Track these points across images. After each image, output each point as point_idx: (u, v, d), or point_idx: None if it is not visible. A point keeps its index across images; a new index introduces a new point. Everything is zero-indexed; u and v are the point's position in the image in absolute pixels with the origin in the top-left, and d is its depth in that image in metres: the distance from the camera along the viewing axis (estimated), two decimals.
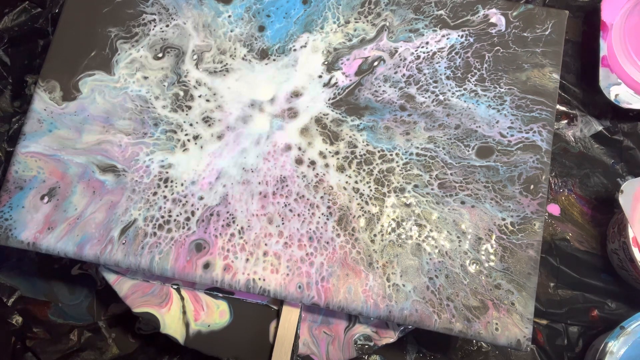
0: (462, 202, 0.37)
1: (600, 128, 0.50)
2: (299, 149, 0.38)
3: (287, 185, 0.38)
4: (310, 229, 0.37)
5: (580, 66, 0.52)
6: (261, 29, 0.41)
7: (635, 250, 0.42)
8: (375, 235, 0.37)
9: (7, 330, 0.47)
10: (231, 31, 0.41)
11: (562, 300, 0.48)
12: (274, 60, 0.40)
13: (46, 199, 0.38)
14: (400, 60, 0.40)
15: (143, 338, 0.49)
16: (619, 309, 0.47)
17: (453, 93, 0.39)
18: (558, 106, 0.51)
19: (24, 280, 0.49)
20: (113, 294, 0.41)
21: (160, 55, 0.40)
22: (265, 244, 0.37)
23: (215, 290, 0.41)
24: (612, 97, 0.47)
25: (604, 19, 0.48)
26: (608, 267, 0.48)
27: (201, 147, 0.39)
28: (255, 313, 0.41)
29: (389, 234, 0.37)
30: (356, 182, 0.38)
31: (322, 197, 0.37)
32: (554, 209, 0.50)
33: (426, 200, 0.37)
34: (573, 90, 0.51)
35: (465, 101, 0.39)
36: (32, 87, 0.52)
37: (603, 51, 0.47)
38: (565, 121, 0.51)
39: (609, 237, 0.47)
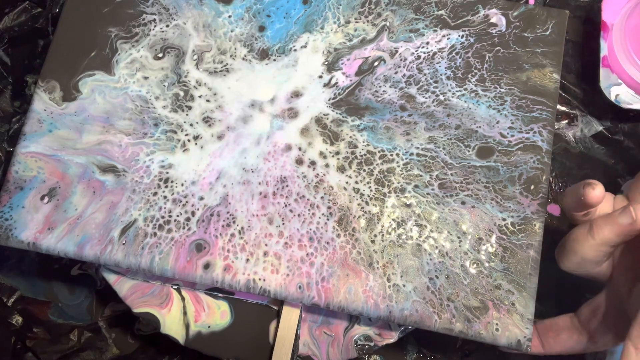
0: (463, 203, 0.37)
1: (600, 128, 0.50)
2: (299, 149, 0.38)
3: (287, 186, 0.38)
4: (310, 229, 0.37)
5: (580, 66, 0.52)
6: (261, 29, 0.41)
7: None
8: (375, 236, 0.37)
9: (7, 330, 0.47)
10: (231, 31, 0.41)
11: (562, 301, 0.48)
12: (274, 60, 0.40)
13: (46, 199, 0.38)
14: (401, 60, 0.40)
15: (143, 338, 0.49)
16: None
17: (453, 93, 0.39)
18: (558, 106, 0.51)
19: (24, 280, 0.49)
20: (113, 294, 0.41)
21: (160, 55, 0.40)
22: (266, 244, 0.37)
23: (215, 291, 0.41)
24: (612, 98, 0.47)
25: (605, 19, 0.48)
26: None
27: (201, 148, 0.39)
28: (255, 313, 0.41)
29: (390, 234, 0.37)
30: (356, 182, 0.38)
31: (322, 198, 0.37)
32: (554, 209, 0.50)
33: (426, 201, 0.37)
34: (573, 91, 0.51)
35: (465, 101, 0.39)
36: (32, 87, 0.52)
37: (603, 51, 0.47)
38: (566, 121, 0.51)
39: None
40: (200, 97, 0.40)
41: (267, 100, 0.40)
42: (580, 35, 0.52)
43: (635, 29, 0.47)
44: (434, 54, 0.40)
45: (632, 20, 0.47)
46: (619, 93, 0.47)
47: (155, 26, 0.41)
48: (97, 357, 0.48)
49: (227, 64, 0.40)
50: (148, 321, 0.41)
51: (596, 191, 0.32)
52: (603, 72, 0.47)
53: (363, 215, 0.37)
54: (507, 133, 0.38)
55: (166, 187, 0.38)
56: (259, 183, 0.38)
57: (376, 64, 0.40)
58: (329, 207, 0.37)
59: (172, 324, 0.41)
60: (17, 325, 0.48)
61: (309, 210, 0.37)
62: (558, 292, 0.49)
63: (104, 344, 0.48)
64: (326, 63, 0.40)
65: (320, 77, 0.40)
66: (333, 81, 0.40)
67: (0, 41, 0.52)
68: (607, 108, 0.50)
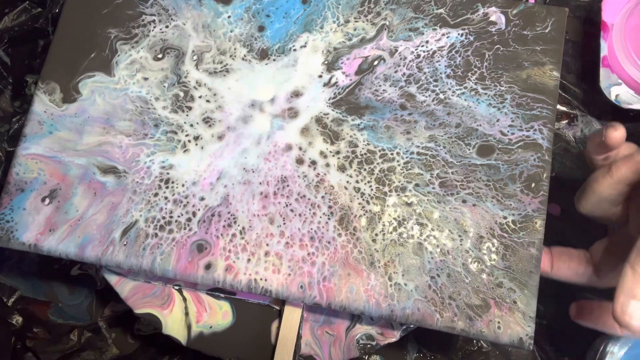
0: (464, 201, 0.37)
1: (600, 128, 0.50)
2: (300, 148, 0.38)
3: (288, 185, 0.38)
4: (311, 229, 0.37)
5: (580, 66, 0.52)
6: (261, 29, 0.41)
7: None
8: (376, 235, 0.37)
9: (7, 330, 0.47)
10: (231, 31, 0.41)
11: (562, 301, 0.48)
12: (274, 60, 0.40)
13: (47, 200, 0.38)
14: (401, 59, 0.40)
15: (143, 338, 0.49)
16: None
17: (453, 92, 0.39)
18: (558, 106, 0.51)
19: (24, 280, 0.49)
20: (113, 294, 0.41)
21: (160, 56, 0.40)
22: (267, 244, 0.37)
23: (217, 291, 0.41)
24: (612, 98, 0.47)
25: (605, 19, 0.48)
26: None
27: (202, 148, 0.39)
28: (257, 313, 0.41)
29: (391, 233, 0.37)
30: (357, 181, 0.38)
31: (323, 197, 0.37)
32: (555, 209, 0.50)
33: (427, 199, 0.37)
34: (573, 91, 0.51)
35: (465, 100, 0.39)
36: (32, 87, 0.52)
37: (603, 51, 0.47)
38: (566, 121, 0.51)
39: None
40: (200, 97, 0.40)
41: (267, 100, 0.40)
42: (580, 35, 0.52)
43: (635, 29, 0.47)
44: (434, 52, 0.40)
45: (632, 20, 0.47)
46: (619, 93, 0.47)
47: (154, 27, 0.41)
48: (97, 357, 0.48)
49: (226, 64, 0.40)
50: (149, 322, 0.40)
51: (617, 132, 0.33)
52: (603, 72, 0.47)
53: (364, 214, 0.37)
54: (508, 131, 0.38)
55: (167, 187, 0.38)
56: (260, 183, 0.38)
57: (376, 63, 0.40)
58: (330, 207, 0.37)
59: (173, 325, 0.40)
60: (17, 325, 0.48)
61: (309, 209, 0.37)
62: (558, 291, 0.49)
63: (104, 344, 0.48)
64: (326, 62, 0.40)
65: (320, 76, 0.40)
66: (333, 80, 0.40)
67: (0, 41, 0.52)
68: (607, 108, 0.50)
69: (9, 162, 0.52)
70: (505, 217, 0.37)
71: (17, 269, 0.49)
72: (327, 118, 0.39)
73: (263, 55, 0.40)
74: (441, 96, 0.39)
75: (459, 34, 0.40)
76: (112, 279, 0.41)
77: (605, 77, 0.47)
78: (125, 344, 0.49)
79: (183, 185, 0.38)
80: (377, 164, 0.38)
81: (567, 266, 0.38)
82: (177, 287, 0.41)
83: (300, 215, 0.37)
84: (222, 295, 0.41)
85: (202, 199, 0.38)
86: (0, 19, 0.52)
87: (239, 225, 0.37)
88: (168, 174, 0.38)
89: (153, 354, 0.48)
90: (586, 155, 0.36)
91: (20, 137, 0.39)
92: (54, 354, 0.48)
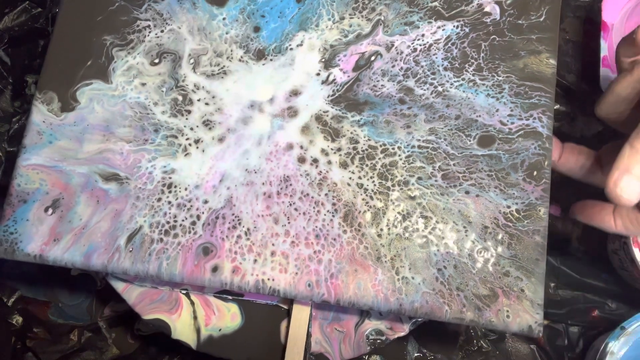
0: (467, 192, 0.37)
1: (600, 128, 0.50)
2: (301, 147, 0.38)
3: (290, 185, 0.38)
4: (316, 227, 0.37)
5: (580, 66, 0.52)
6: (256, 29, 0.41)
7: (635, 250, 0.42)
8: (381, 230, 0.37)
9: (7, 330, 0.47)
10: (226, 33, 0.41)
11: (562, 301, 0.48)
12: (271, 60, 0.40)
13: (50, 210, 0.38)
14: (397, 53, 0.40)
15: (143, 338, 0.49)
16: (620, 309, 0.48)
17: (451, 84, 0.39)
18: (558, 106, 0.51)
19: (24, 280, 0.49)
20: (113, 293, 0.41)
21: (156, 61, 0.40)
22: (273, 244, 0.37)
23: (224, 293, 0.41)
24: None
25: (605, 19, 0.48)
26: (608, 267, 0.48)
27: (203, 151, 0.39)
28: (265, 314, 0.41)
29: (396, 227, 0.37)
30: (360, 177, 0.38)
31: (326, 194, 0.37)
32: (555, 209, 0.50)
33: (430, 192, 0.37)
34: (573, 91, 0.51)
35: (464, 91, 0.39)
36: (32, 87, 0.52)
37: (604, 51, 0.47)
38: (566, 121, 0.51)
39: (609, 237, 0.47)
40: (199, 100, 0.40)
41: (266, 100, 0.39)
42: (580, 35, 0.52)
43: None
44: (430, 45, 0.40)
45: (632, 20, 0.47)
46: None
47: (150, 32, 0.41)
48: (97, 357, 0.48)
49: (224, 66, 0.40)
50: (158, 327, 0.40)
51: None
52: (603, 72, 0.47)
53: (368, 210, 0.37)
54: (507, 120, 0.38)
55: (170, 192, 0.38)
56: (263, 183, 0.38)
57: (373, 58, 0.40)
58: (334, 204, 0.37)
59: (183, 329, 0.40)
60: (17, 325, 0.48)
61: (313, 207, 0.37)
62: (558, 288, 0.49)
63: (104, 344, 0.48)
64: (323, 60, 0.40)
65: (318, 74, 0.40)
66: (331, 78, 0.40)
67: (0, 41, 0.52)
68: None
69: (8, 162, 0.52)
70: (508, 207, 0.37)
71: (17, 269, 0.49)
72: (327, 115, 0.39)
73: (260, 55, 0.40)
74: (439, 89, 0.39)
75: (454, 26, 0.40)
76: (119, 286, 0.41)
77: (605, 77, 0.47)
78: (125, 344, 0.49)
79: (186, 189, 0.38)
80: (379, 159, 0.38)
81: (575, 159, 0.39)
82: (184, 291, 0.41)
83: (304, 213, 0.37)
84: (230, 297, 0.41)
85: (206, 201, 0.38)
86: (0, 19, 0.52)
87: (243, 227, 0.37)
88: (170, 178, 0.38)
89: (153, 354, 0.48)
90: (615, 58, 0.36)
91: (20, 148, 0.39)
92: (54, 354, 0.48)
